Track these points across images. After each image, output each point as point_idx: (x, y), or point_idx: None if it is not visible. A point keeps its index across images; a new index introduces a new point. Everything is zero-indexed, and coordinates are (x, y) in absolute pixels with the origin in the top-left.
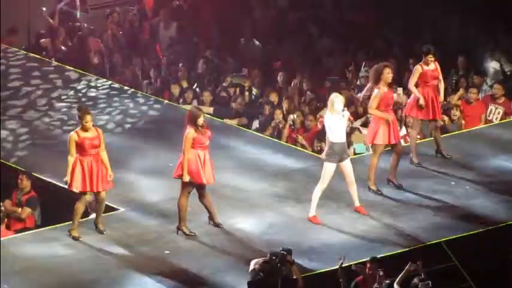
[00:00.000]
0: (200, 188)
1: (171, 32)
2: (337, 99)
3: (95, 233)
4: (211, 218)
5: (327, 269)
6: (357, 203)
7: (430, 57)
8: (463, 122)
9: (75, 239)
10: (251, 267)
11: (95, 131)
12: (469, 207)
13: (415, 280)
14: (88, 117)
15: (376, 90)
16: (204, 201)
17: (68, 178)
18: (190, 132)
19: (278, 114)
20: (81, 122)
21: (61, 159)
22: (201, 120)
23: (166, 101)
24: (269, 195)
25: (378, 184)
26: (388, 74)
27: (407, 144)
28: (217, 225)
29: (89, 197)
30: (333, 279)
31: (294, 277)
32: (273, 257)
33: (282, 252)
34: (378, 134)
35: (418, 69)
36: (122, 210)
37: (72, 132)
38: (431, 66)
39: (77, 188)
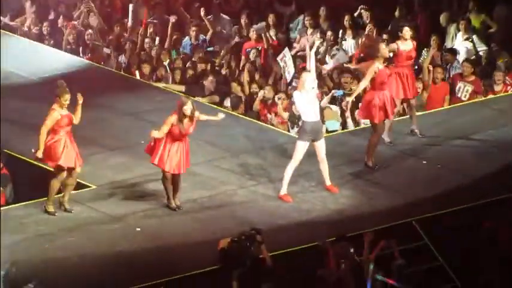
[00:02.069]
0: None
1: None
2: (308, 78)
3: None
4: (173, 197)
5: (298, 247)
6: (327, 182)
7: (406, 33)
8: (425, 94)
9: (50, 214)
10: (219, 246)
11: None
12: (440, 186)
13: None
14: (67, 96)
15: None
16: (174, 184)
17: (40, 154)
18: (171, 117)
19: (237, 87)
20: (60, 100)
21: (33, 136)
22: (187, 110)
23: (138, 78)
24: (240, 174)
25: (351, 163)
26: (384, 50)
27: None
28: (177, 207)
29: (64, 174)
30: (304, 257)
31: (263, 256)
32: (242, 237)
33: (251, 231)
34: (373, 112)
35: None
36: (93, 188)
37: (53, 110)
38: (408, 45)
39: (66, 163)
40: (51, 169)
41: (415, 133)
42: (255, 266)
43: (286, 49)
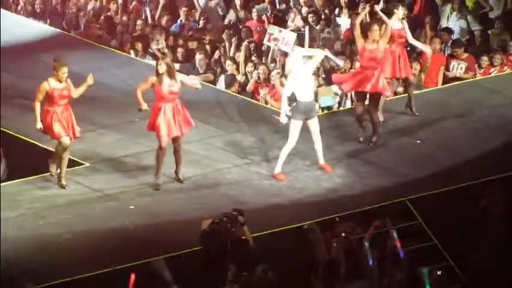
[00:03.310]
0: (173, 140)
1: None
2: (291, 58)
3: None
4: (176, 171)
5: (292, 226)
6: (321, 161)
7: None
8: (422, 76)
9: (63, 187)
10: (202, 227)
11: (65, 82)
12: (433, 166)
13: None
14: (64, 69)
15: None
16: (175, 154)
17: (39, 125)
18: (150, 77)
19: (232, 66)
20: (57, 73)
21: (27, 113)
22: (161, 68)
23: (130, 56)
24: (233, 152)
25: (345, 142)
26: (375, 31)
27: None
28: (179, 180)
29: (68, 141)
30: (297, 236)
31: (245, 238)
32: (224, 218)
33: (233, 213)
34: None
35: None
36: (87, 165)
37: (44, 82)
38: (398, 25)
39: (60, 133)
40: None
41: (412, 112)
42: (237, 247)
43: (270, 27)
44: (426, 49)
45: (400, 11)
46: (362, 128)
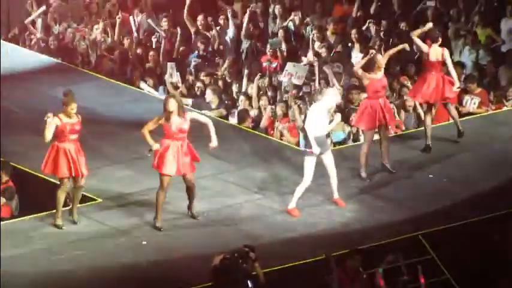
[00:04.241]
0: (184, 178)
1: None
2: (331, 94)
3: (72, 224)
4: (189, 207)
5: (305, 261)
6: (335, 195)
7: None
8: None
9: (58, 227)
10: (213, 263)
11: (75, 116)
12: (446, 200)
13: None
14: (74, 105)
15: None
16: (188, 191)
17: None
18: (157, 116)
19: (245, 101)
20: (66, 108)
21: (40, 149)
22: (170, 106)
23: (144, 91)
24: (246, 187)
25: (357, 177)
26: (381, 60)
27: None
28: (192, 215)
29: (69, 184)
30: (311, 272)
31: (256, 274)
32: (235, 254)
33: (245, 249)
34: (362, 119)
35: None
36: (99, 201)
37: (54, 117)
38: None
39: (63, 174)
40: (57, 182)
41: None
42: (247, 283)
43: (287, 64)
44: (457, 83)
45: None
46: (366, 165)
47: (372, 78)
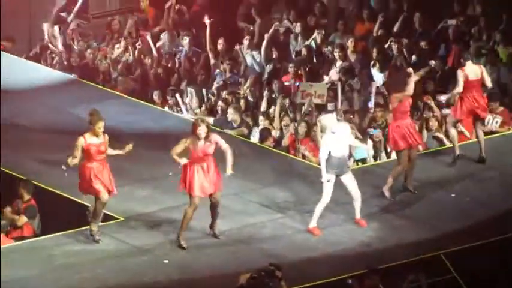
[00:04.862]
0: (210, 196)
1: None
2: (327, 121)
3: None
4: (211, 226)
5: (327, 280)
6: (357, 215)
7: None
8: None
9: (96, 241)
10: (240, 282)
11: (102, 136)
12: (468, 219)
13: None
14: (101, 124)
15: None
16: (212, 209)
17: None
18: (184, 139)
19: (265, 121)
20: (93, 127)
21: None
22: (200, 131)
23: (166, 110)
24: (268, 206)
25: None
26: (410, 87)
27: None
28: (214, 235)
29: (107, 197)
30: None
31: None
32: (262, 273)
33: (271, 267)
34: (398, 140)
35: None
36: (121, 219)
37: (80, 137)
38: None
39: (99, 190)
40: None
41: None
42: None
43: (302, 84)
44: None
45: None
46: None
47: (404, 98)
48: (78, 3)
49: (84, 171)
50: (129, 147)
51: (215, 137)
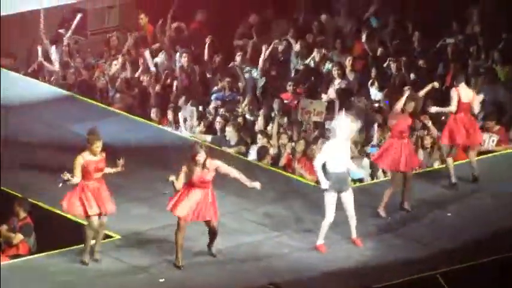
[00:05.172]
0: (206, 224)
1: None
2: (342, 123)
3: (92, 261)
4: (209, 245)
5: None
6: (354, 235)
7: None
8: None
9: (84, 263)
10: None
11: (100, 154)
12: (465, 238)
13: None
14: (99, 143)
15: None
16: (210, 233)
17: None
18: (184, 167)
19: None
20: (91, 146)
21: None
22: (199, 157)
23: (164, 128)
24: (265, 224)
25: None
26: (409, 103)
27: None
28: (211, 254)
29: (97, 220)
30: None
31: None
32: None
33: (270, 286)
34: (385, 158)
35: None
36: (118, 238)
37: (78, 156)
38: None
39: (92, 212)
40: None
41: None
42: None
43: (302, 101)
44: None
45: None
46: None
47: (402, 117)
48: (76, 20)
49: (77, 189)
50: (121, 162)
51: (215, 163)
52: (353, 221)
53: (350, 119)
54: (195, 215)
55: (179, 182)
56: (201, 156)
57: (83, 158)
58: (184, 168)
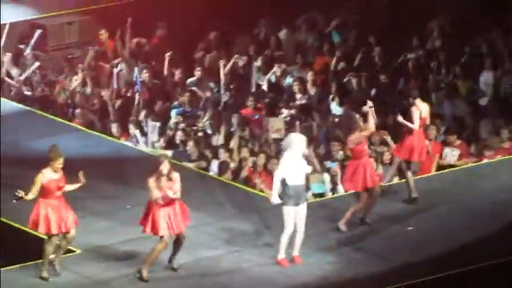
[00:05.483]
0: (178, 233)
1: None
2: (296, 139)
3: (52, 275)
4: (170, 260)
5: None
6: (296, 252)
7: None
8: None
9: (43, 279)
10: None
11: (60, 172)
12: (425, 252)
13: None
14: (61, 160)
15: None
16: (176, 244)
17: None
18: (151, 179)
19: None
20: (53, 163)
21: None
22: (163, 169)
23: (125, 143)
24: (225, 239)
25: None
26: (370, 123)
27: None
28: (173, 268)
29: (57, 239)
30: None
31: None
32: None
33: None
34: (352, 180)
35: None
36: (78, 252)
37: (39, 173)
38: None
39: (53, 231)
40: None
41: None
42: None
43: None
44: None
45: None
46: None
47: (362, 137)
48: (35, 36)
49: (39, 207)
50: (81, 177)
51: (176, 175)
52: (300, 237)
53: (302, 136)
54: (174, 229)
55: (155, 192)
56: (165, 167)
57: (45, 176)
58: (152, 181)
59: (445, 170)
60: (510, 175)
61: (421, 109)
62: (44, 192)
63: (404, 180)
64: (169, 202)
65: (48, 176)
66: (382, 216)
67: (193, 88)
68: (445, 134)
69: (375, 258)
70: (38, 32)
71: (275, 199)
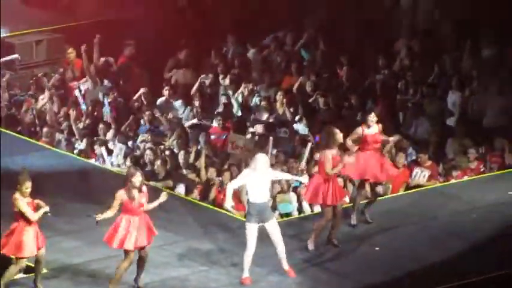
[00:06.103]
0: (140, 249)
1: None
2: (261, 159)
3: None
4: (136, 279)
5: None
6: (285, 266)
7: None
8: (390, 186)
9: None
10: None
11: (29, 196)
12: (393, 273)
13: None
14: (28, 184)
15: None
16: (140, 262)
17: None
18: (119, 193)
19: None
20: (21, 188)
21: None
22: (135, 181)
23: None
24: (192, 259)
25: (304, 249)
26: (338, 135)
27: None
28: (139, 287)
29: (24, 263)
30: None
31: None
32: None
33: None
34: (316, 195)
35: (357, 131)
36: (44, 272)
37: (17, 199)
38: (374, 129)
39: (31, 253)
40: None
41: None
42: None
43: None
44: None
45: (373, 119)
46: (316, 239)
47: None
48: (10, 56)
49: (14, 232)
50: (45, 209)
51: (145, 188)
52: (282, 251)
53: (266, 157)
54: (137, 242)
55: (113, 208)
56: (137, 178)
57: (23, 202)
58: (120, 195)
59: (412, 191)
60: (478, 195)
61: (364, 129)
62: (18, 216)
63: (367, 200)
64: (136, 214)
65: (21, 201)
66: (349, 235)
67: (157, 115)
68: (417, 153)
69: (342, 278)
70: (13, 56)
71: (228, 204)
